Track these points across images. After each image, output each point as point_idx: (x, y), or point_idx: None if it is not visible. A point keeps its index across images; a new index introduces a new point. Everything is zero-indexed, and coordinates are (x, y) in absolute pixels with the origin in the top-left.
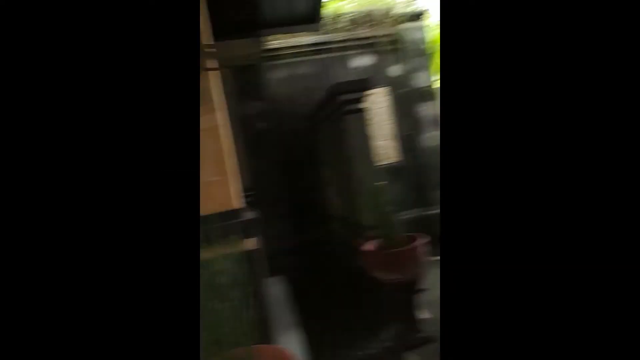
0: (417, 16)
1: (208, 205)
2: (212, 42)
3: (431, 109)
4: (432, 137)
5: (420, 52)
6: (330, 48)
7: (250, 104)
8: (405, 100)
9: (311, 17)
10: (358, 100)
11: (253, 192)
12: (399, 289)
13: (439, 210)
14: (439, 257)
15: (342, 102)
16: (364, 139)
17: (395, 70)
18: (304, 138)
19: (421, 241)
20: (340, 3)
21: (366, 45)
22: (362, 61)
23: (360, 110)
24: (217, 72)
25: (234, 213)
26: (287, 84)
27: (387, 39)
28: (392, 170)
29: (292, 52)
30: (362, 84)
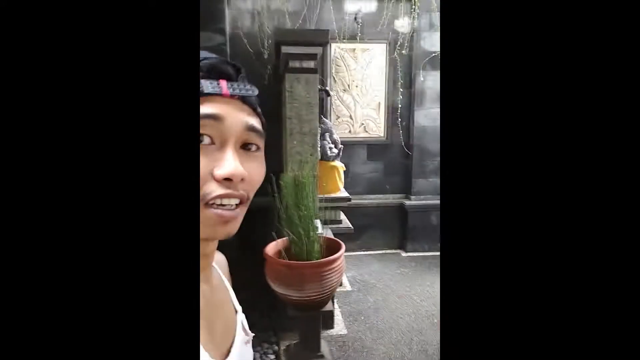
0: None
1: None
2: None
3: (438, 82)
4: (434, 115)
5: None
6: None
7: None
8: (406, 65)
9: None
10: (303, 57)
11: None
12: (296, 306)
13: (414, 201)
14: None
15: (286, 56)
16: (306, 106)
17: (402, 24)
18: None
19: (336, 256)
20: None
21: None
22: (360, 6)
23: (306, 71)
24: None
25: None
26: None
27: None
28: (372, 148)
29: None
30: (311, 37)
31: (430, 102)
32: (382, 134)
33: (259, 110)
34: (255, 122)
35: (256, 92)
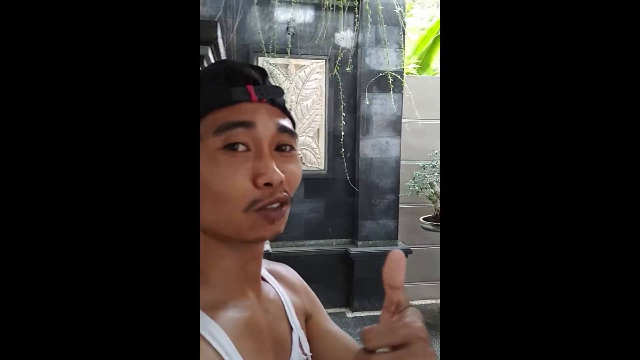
0: None
1: None
2: None
3: (391, 105)
4: (383, 145)
5: (392, 19)
6: None
7: None
8: (350, 85)
9: None
10: None
11: None
12: None
13: (362, 248)
14: None
15: None
16: None
17: (344, 37)
18: None
19: None
20: None
21: None
22: (293, 14)
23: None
24: None
25: None
26: None
27: None
28: (311, 183)
29: None
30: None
31: (378, 129)
32: (322, 167)
33: (288, 109)
34: (287, 122)
35: (283, 92)
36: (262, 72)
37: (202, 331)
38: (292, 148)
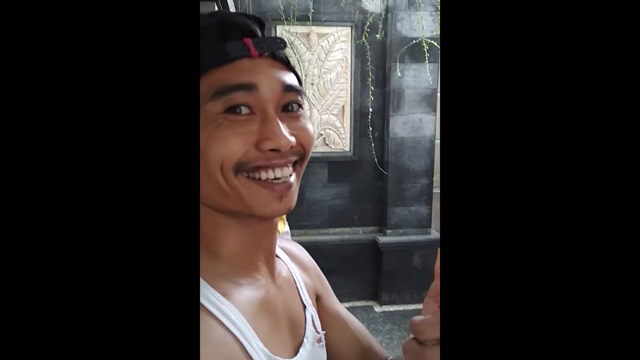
0: None
1: None
2: None
3: (425, 77)
4: (416, 122)
5: None
6: None
7: None
8: (379, 55)
9: None
10: None
11: None
12: None
13: (391, 237)
14: None
15: None
16: None
17: (372, 2)
18: None
19: None
20: None
21: None
22: None
23: None
24: None
25: None
26: None
27: None
28: (335, 166)
29: None
30: None
31: (410, 105)
32: (347, 148)
33: (292, 64)
34: (292, 79)
35: (286, 44)
36: (260, 22)
37: (215, 312)
38: (300, 106)
